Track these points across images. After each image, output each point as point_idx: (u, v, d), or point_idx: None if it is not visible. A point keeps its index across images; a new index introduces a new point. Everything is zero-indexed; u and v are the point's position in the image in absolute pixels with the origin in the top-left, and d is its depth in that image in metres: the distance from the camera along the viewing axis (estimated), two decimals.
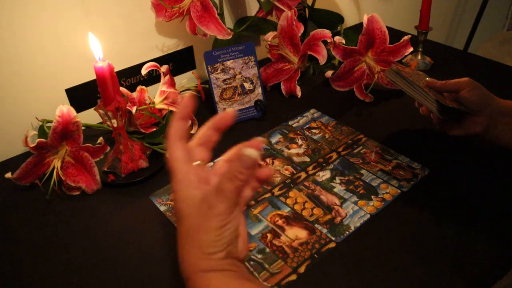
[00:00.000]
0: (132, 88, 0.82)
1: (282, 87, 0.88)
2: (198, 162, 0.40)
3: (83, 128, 0.64)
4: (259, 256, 0.54)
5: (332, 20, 0.98)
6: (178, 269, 0.53)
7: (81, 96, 0.79)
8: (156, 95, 0.76)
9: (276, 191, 0.64)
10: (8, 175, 0.63)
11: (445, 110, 0.63)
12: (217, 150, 0.77)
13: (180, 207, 0.38)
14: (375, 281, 0.50)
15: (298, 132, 0.77)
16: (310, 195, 0.63)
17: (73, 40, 0.75)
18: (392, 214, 0.59)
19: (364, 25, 0.78)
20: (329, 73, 0.87)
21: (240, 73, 0.79)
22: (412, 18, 1.05)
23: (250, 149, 0.37)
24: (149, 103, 0.74)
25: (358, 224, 0.58)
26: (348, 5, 1.19)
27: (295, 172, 0.68)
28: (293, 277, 0.51)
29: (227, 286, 0.36)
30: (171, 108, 0.74)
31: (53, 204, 0.64)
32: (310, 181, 0.66)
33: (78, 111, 0.76)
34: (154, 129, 0.72)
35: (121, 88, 0.70)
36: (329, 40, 0.80)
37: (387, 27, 0.79)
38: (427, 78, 0.67)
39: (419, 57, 0.95)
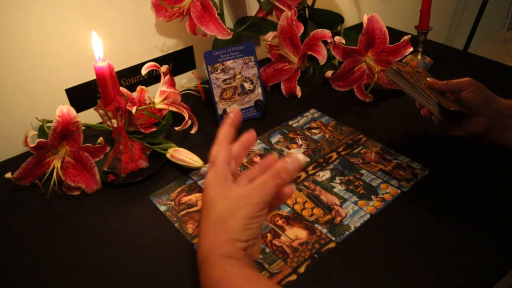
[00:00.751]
0: (132, 88, 0.82)
1: (282, 87, 0.88)
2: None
3: (83, 128, 0.64)
4: (259, 256, 0.54)
5: (332, 20, 0.98)
6: (178, 269, 0.53)
7: (81, 96, 0.79)
8: (156, 95, 0.76)
9: None
10: (8, 175, 0.63)
11: (446, 112, 0.62)
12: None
13: (215, 193, 0.41)
14: (375, 281, 0.50)
15: (298, 132, 0.77)
16: (310, 195, 0.63)
17: (73, 40, 0.75)
18: (392, 214, 0.59)
19: (364, 25, 0.78)
20: (329, 73, 0.87)
21: (240, 73, 0.79)
22: (412, 18, 1.05)
23: (300, 154, 0.41)
24: (149, 103, 0.74)
25: (358, 224, 0.58)
26: (348, 5, 1.19)
27: None
28: (293, 277, 0.51)
29: (241, 273, 0.38)
30: (171, 108, 0.74)
31: (53, 204, 0.64)
32: (310, 181, 0.66)
33: (78, 111, 0.76)
34: (154, 129, 0.72)
35: (121, 88, 0.70)
36: (329, 40, 0.80)
37: (387, 27, 0.79)
38: (428, 79, 0.66)
39: (419, 57, 0.95)
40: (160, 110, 0.76)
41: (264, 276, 0.42)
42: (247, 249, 0.40)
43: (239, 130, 0.46)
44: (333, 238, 0.56)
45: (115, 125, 0.63)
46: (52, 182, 0.63)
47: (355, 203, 0.61)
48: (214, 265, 0.39)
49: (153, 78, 0.88)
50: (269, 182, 0.40)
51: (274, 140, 0.75)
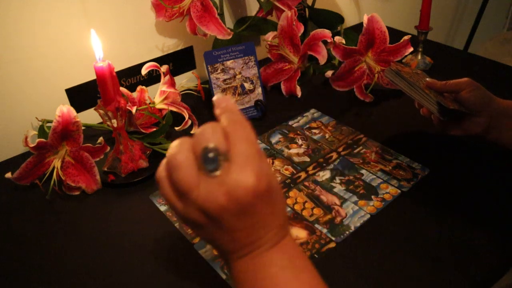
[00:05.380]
0: (132, 88, 0.82)
1: (282, 87, 0.88)
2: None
3: (83, 128, 0.64)
4: None
5: (332, 20, 0.98)
6: (178, 269, 0.53)
7: (81, 96, 0.79)
8: (156, 95, 0.76)
9: None
10: (8, 175, 0.63)
11: (446, 111, 0.62)
12: None
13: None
14: (375, 281, 0.50)
15: (298, 132, 0.77)
16: (310, 195, 0.63)
17: (73, 40, 0.75)
18: (392, 214, 0.59)
19: (364, 25, 0.78)
20: (329, 73, 0.87)
21: (240, 73, 0.79)
22: (412, 18, 1.05)
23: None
24: (149, 103, 0.74)
25: (358, 224, 0.58)
26: (348, 5, 1.19)
27: (295, 172, 0.68)
28: None
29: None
30: (171, 108, 0.74)
31: (53, 204, 0.64)
32: (310, 181, 0.66)
33: (78, 111, 0.76)
34: (154, 129, 0.72)
35: (121, 88, 0.70)
36: (329, 40, 0.80)
37: (387, 27, 0.79)
38: (427, 79, 0.67)
39: (419, 57, 0.95)
40: (160, 110, 0.76)
41: None
42: None
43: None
44: (333, 238, 0.56)
45: (115, 125, 0.63)
46: (52, 182, 0.63)
47: (355, 203, 0.61)
48: (291, 240, 0.39)
49: (153, 78, 0.88)
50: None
51: (274, 140, 0.75)
